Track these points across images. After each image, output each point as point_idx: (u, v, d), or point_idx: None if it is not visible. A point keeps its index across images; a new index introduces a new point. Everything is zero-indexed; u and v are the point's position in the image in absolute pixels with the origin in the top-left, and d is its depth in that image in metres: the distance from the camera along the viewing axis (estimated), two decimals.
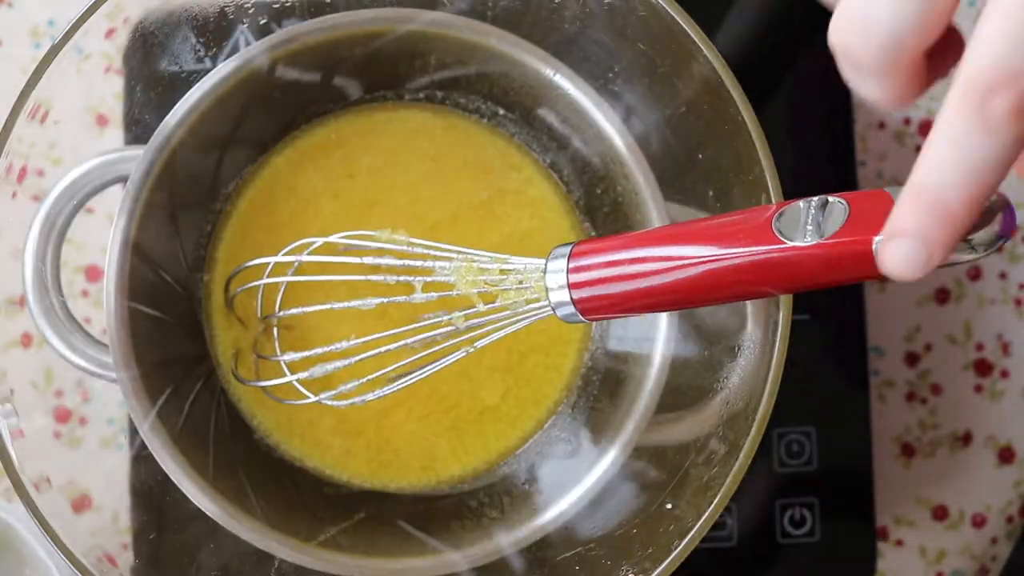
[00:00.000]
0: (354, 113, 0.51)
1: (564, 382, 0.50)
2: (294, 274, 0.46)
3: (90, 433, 0.57)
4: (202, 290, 0.50)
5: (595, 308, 0.37)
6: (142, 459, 0.50)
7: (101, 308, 0.45)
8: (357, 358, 0.42)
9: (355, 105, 0.51)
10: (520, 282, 0.40)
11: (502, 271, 0.40)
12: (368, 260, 0.44)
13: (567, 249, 0.38)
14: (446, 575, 0.45)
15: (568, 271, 0.37)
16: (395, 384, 0.43)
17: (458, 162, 0.51)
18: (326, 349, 0.43)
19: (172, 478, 0.44)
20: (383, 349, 0.42)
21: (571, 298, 0.37)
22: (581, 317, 0.38)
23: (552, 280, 0.37)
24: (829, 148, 0.58)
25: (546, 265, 0.38)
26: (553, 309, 0.38)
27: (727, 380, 0.45)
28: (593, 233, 0.51)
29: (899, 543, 0.61)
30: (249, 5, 0.48)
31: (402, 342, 0.42)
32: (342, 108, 0.51)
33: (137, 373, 0.45)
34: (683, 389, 0.46)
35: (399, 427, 0.49)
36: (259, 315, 0.49)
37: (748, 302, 0.44)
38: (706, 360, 0.47)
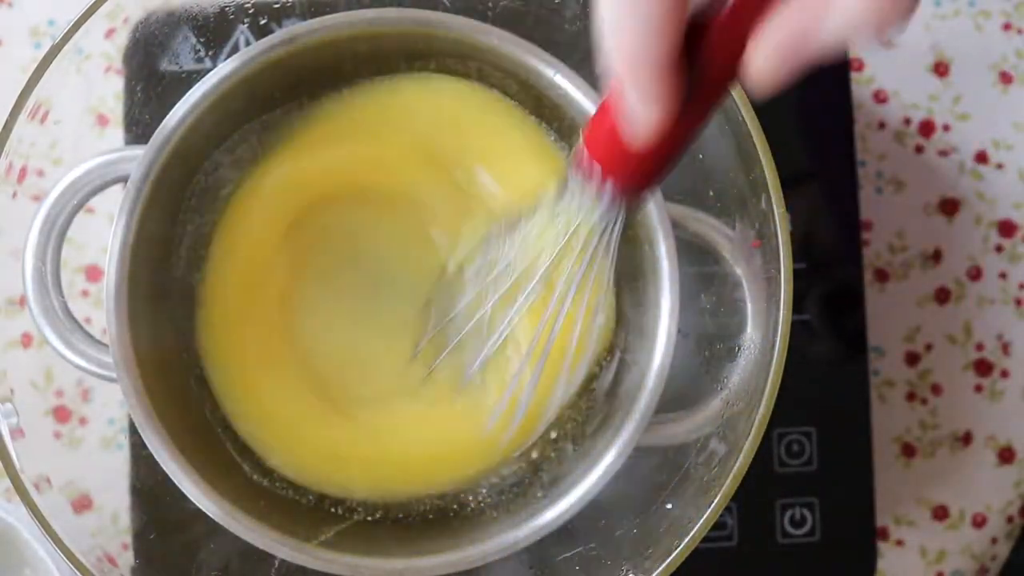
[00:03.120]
0: (356, 112, 0.51)
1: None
2: None
3: (90, 433, 0.57)
4: (201, 289, 0.50)
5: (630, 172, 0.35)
6: (142, 459, 0.51)
7: (101, 308, 0.45)
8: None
9: (358, 104, 0.51)
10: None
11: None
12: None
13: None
14: (446, 575, 0.45)
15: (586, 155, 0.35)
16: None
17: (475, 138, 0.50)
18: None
19: (172, 478, 0.44)
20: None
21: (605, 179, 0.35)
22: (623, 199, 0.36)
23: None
24: (829, 148, 0.59)
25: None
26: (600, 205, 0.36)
27: (727, 381, 0.45)
28: None
29: (899, 543, 0.61)
30: (249, 5, 0.48)
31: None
32: (345, 108, 0.50)
33: (137, 373, 0.44)
34: (683, 390, 0.46)
35: (400, 438, 0.49)
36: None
37: (748, 303, 0.44)
38: (706, 361, 0.47)
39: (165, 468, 0.44)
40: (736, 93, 0.42)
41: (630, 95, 0.31)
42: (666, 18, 0.29)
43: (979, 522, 0.61)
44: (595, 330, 0.44)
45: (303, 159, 0.49)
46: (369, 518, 0.49)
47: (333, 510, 0.49)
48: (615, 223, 0.37)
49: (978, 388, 0.61)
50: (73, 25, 0.42)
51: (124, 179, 0.45)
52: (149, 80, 0.50)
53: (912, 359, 0.61)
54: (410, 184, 0.50)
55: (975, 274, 0.61)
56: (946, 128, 0.62)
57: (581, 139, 0.36)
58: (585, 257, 0.38)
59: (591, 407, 0.50)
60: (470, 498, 0.50)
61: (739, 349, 0.44)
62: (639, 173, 0.35)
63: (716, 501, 0.42)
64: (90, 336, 0.45)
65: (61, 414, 0.57)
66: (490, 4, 0.47)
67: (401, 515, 0.50)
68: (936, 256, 0.61)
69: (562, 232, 0.38)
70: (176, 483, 0.44)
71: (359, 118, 0.49)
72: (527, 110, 0.50)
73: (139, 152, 0.44)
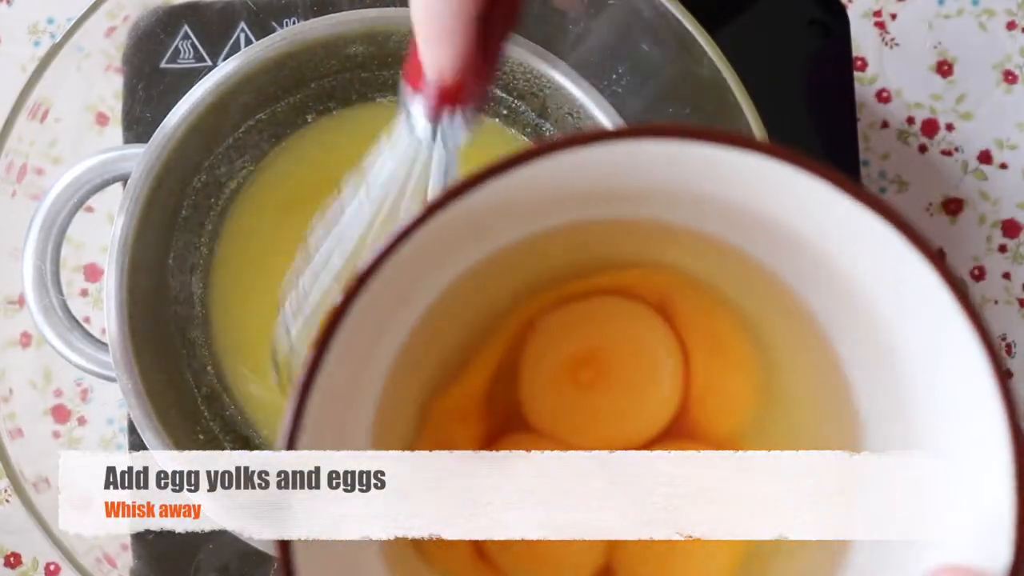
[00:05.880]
0: (357, 111, 0.51)
1: None
2: None
3: (89, 433, 0.57)
4: (201, 289, 0.50)
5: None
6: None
7: (100, 307, 0.45)
8: None
9: (358, 104, 0.51)
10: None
11: None
12: None
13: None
14: None
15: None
16: None
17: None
18: None
19: None
20: None
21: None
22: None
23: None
24: (832, 148, 0.58)
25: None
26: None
27: None
28: None
29: None
30: (250, 3, 0.48)
31: None
32: (345, 107, 0.50)
33: (136, 372, 0.44)
34: None
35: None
36: None
37: None
38: None
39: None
40: (741, 96, 0.42)
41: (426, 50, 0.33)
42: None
43: None
44: None
45: (304, 159, 0.49)
46: None
47: None
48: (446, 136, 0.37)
49: None
50: (74, 24, 0.42)
51: (124, 178, 0.44)
52: (149, 79, 0.50)
53: None
54: None
55: (978, 274, 0.61)
56: (949, 127, 0.62)
57: (404, 80, 0.36)
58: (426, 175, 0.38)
59: None
60: None
61: None
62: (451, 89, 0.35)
63: None
64: (89, 335, 0.45)
65: (60, 414, 0.57)
66: None
67: None
68: (939, 256, 0.61)
69: (411, 160, 0.38)
70: None
71: (363, 125, 0.49)
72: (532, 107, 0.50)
73: (139, 151, 0.44)
